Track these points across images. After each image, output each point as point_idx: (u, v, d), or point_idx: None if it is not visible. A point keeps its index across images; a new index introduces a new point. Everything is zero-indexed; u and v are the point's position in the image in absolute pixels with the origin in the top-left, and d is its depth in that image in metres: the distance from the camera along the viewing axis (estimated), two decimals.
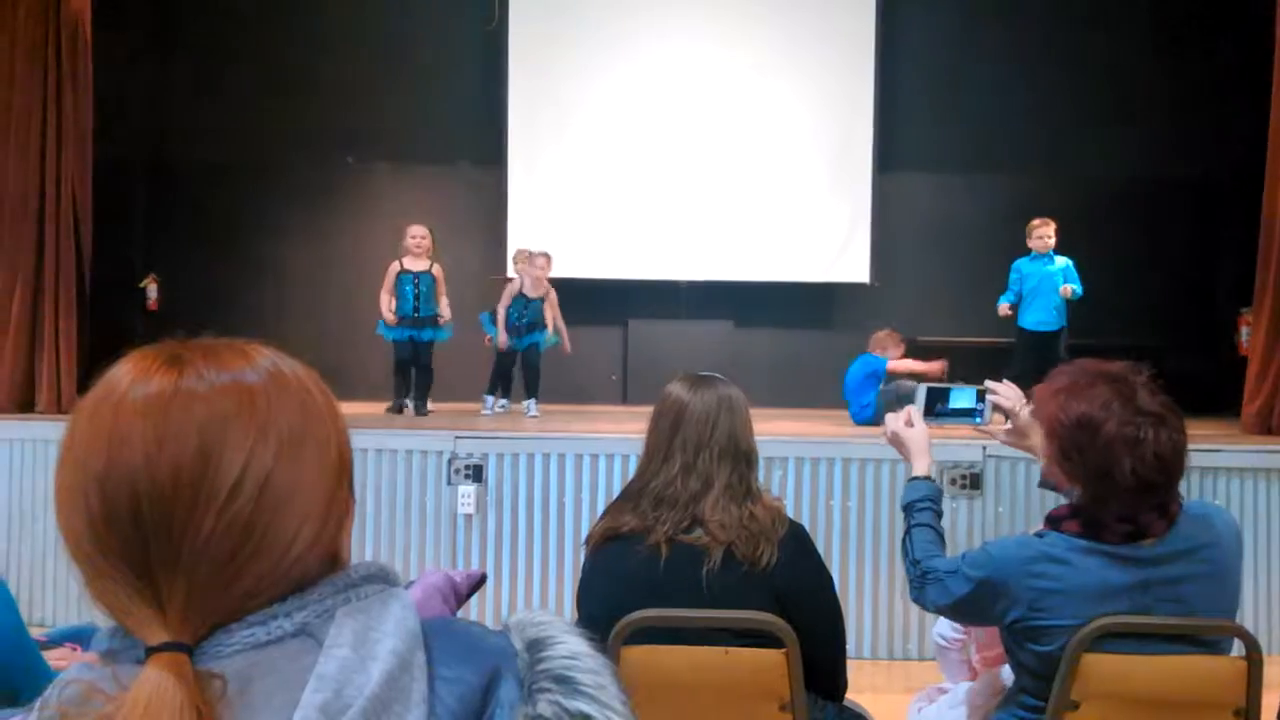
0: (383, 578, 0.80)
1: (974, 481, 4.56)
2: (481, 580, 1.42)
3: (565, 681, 0.77)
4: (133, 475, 0.73)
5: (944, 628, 3.00)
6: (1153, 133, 7.49)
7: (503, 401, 6.60)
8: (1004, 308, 5.95)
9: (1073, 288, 5.84)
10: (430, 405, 6.26)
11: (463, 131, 8.08)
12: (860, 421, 5.83)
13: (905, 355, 6.03)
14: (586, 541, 2.09)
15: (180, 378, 0.76)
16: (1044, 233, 5.90)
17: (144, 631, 0.73)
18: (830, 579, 2.07)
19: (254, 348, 0.81)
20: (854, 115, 7.87)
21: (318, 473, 0.78)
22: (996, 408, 2.26)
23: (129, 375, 0.77)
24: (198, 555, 0.73)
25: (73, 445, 0.76)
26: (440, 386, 6.53)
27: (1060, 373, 1.88)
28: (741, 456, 2.03)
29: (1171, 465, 1.77)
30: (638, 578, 1.94)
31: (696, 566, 1.92)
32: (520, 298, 6.27)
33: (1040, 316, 5.90)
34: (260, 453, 0.75)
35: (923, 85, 7.87)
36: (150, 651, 0.72)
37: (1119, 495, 1.77)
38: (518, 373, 6.48)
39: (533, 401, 6.28)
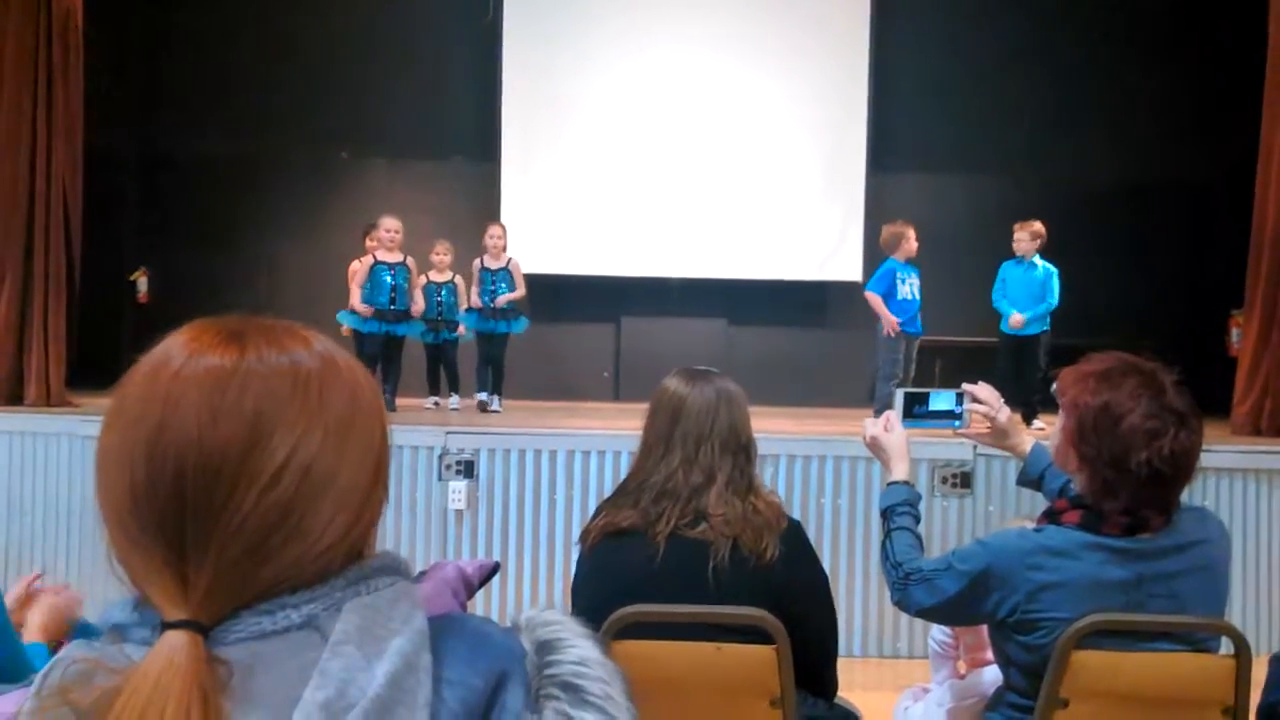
0: (395, 569, 0.79)
1: (964, 480, 4.57)
2: (494, 570, 1.39)
3: (573, 690, 0.76)
4: (183, 446, 0.72)
5: (939, 633, 3.02)
6: (1145, 134, 7.52)
7: (454, 398, 6.58)
8: (1015, 317, 5.86)
9: (1022, 318, 5.81)
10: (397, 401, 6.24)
11: (457, 128, 8.07)
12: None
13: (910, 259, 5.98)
14: (582, 539, 2.07)
15: (242, 355, 0.75)
16: (1022, 235, 5.91)
17: (164, 605, 0.72)
18: (826, 578, 2.07)
19: (311, 333, 0.81)
20: (848, 115, 7.88)
21: (358, 466, 0.78)
22: (977, 405, 2.26)
23: (189, 345, 0.76)
24: (231, 535, 0.72)
25: (124, 408, 0.75)
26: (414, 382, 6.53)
27: (1094, 358, 1.89)
28: (741, 449, 2.02)
29: (1184, 464, 1.79)
30: (638, 573, 1.92)
31: (701, 561, 1.91)
32: (485, 272, 6.28)
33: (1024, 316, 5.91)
34: (307, 439, 0.75)
35: (916, 86, 7.88)
36: (166, 627, 0.71)
37: (1127, 485, 1.78)
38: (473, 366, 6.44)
39: (497, 396, 6.27)
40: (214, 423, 0.73)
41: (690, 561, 1.92)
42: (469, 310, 6.36)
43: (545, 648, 0.79)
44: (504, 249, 6.37)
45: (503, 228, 6.48)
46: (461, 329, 6.49)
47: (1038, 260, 5.92)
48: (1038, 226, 5.93)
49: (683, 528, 1.94)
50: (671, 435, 2.02)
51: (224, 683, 0.70)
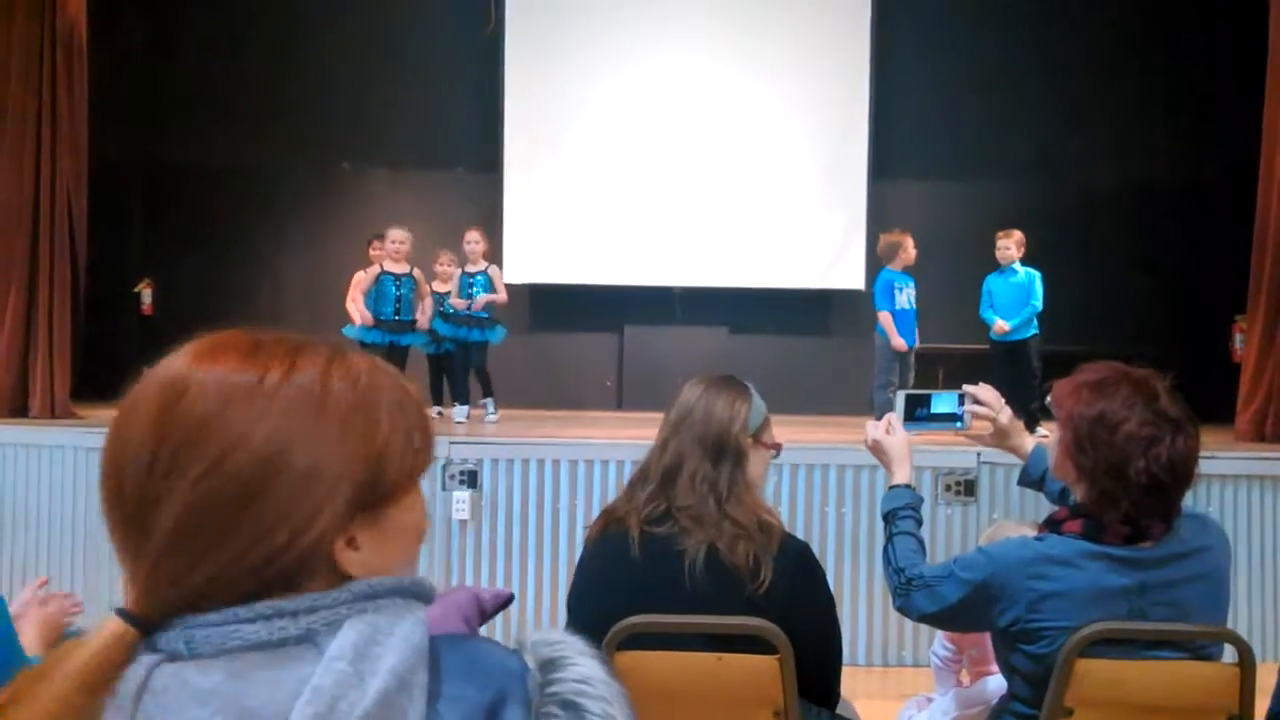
0: (412, 592, 0.78)
1: (968, 488, 4.57)
2: (509, 600, 1.39)
3: (573, 708, 0.77)
4: (130, 443, 0.76)
5: (941, 648, 3.01)
6: (1146, 138, 7.51)
7: (437, 409, 6.60)
8: (998, 324, 5.92)
9: (1006, 325, 5.85)
10: None
11: (459, 138, 8.09)
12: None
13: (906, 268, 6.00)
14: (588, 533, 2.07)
15: (197, 366, 0.77)
16: (1005, 244, 5.95)
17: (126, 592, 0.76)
18: (832, 602, 2.00)
19: (307, 351, 0.80)
20: (849, 123, 7.88)
21: (300, 484, 0.75)
22: (978, 407, 2.25)
23: (170, 357, 0.80)
24: (161, 534, 0.74)
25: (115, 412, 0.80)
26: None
27: (1087, 368, 1.89)
28: (727, 453, 1.96)
29: (1182, 471, 1.79)
30: (621, 572, 1.92)
31: (675, 560, 1.88)
32: (463, 276, 6.27)
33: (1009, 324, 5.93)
34: (239, 452, 0.74)
35: (917, 93, 7.89)
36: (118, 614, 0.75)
37: (1127, 494, 1.78)
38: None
39: (490, 401, 6.25)
40: (157, 427, 0.75)
41: (664, 559, 1.89)
42: (446, 318, 6.31)
43: (549, 665, 0.79)
44: (482, 254, 6.34)
45: (480, 232, 6.44)
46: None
47: (1018, 267, 5.95)
48: (1019, 234, 5.98)
49: (654, 518, 1.92)
50: (664, 425, 2.04)
51: (124, 694, 0.71)
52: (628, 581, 1.90)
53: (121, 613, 0.74)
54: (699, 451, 1.96)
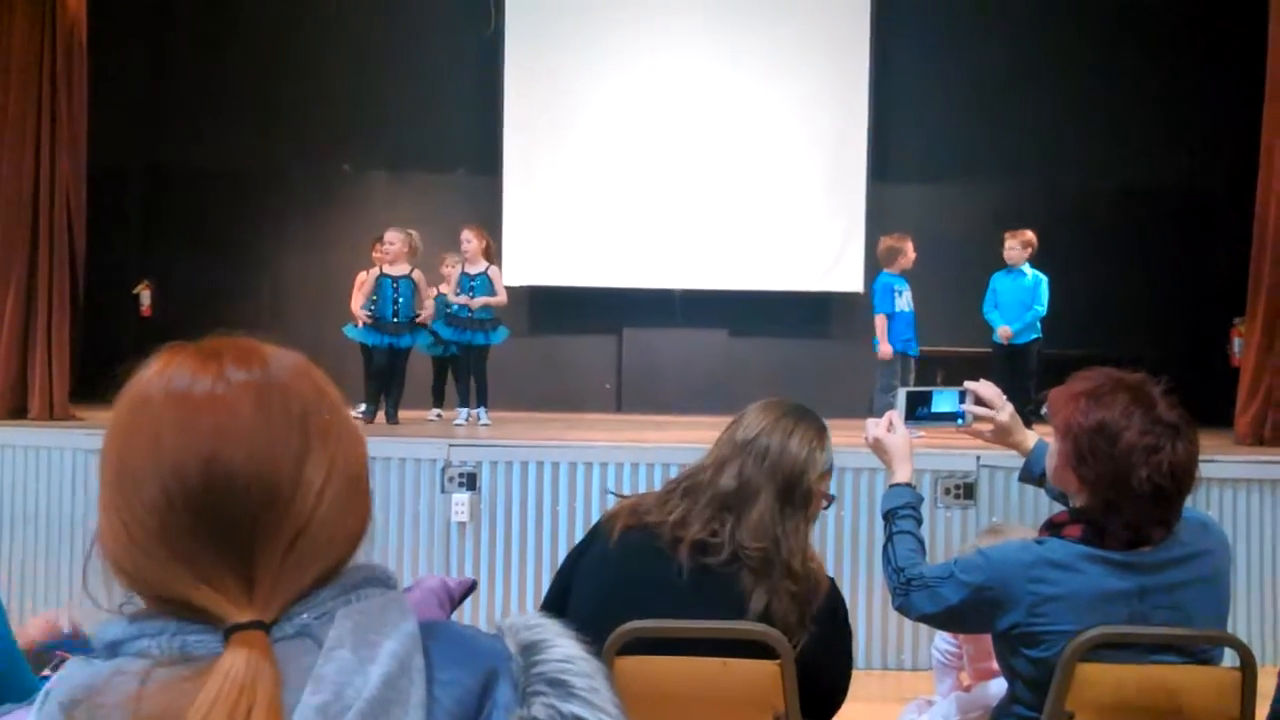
0: (383, 581, 0.81)
1: (968, 491, 4.57)
2: (472, 587, 1.44)
3: (559, 685, 0.79)
4: (231, 449, 0.75)
5: (943, 643, 3.01)
6: (1147, 141, 7.53)
7: (437, 411, 6.60)
8: (1003, 330, 5.93)
9: (1010, 331, 5.85)
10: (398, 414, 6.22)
11: (459, 140, 8.09)
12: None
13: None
14: (609, 519, 1.94)
15: (266, 368, 0.79)
16: (1011, 244, 5.95)
17: (225, 609, 0.74)
18: (849, 639, 1.96)
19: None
20: (848, 125, 7.89)
21: (361, 476, 0.83)
22: (978, 408, 2.23)
23: (196, 365, 0.79)
24: (294, 537, 0.76)
25: (141, 425, 0.77)
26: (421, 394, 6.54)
27: (1080, 377, 1.88)
28: (796, 498, 1.85)
29: (1184, 477, 1.79)
30: (663, 591, 1.84)
31: (737, 607, 1.82)
32: (463, 276, 6.17)
33: (1012, 329, 5.93)
34: (336, 449, 0.80)
35: (917, 95, 7.90)
36: (233, 630, 0.73)
37: (1131, 503, 1.77)
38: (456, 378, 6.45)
39: (483, 410, 6.16)
40: (266, 424, 0.77)
41: (722, 598, 1.82)
42: (447, 322, 6.24)
43: (530, 648, 0.81)
44: (480, 252, 6.19)
45: (474, 230, 6.26)
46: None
47: (1027, 269, 5.95)
48: (1029, 235, 5.97)
49: (704, 545, 1.83)
50: (722, 441, 1.93)
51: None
52: (672, 604, 1.83)
53: (259, 625, 0.73)
54: (771, 489, 1.83)
